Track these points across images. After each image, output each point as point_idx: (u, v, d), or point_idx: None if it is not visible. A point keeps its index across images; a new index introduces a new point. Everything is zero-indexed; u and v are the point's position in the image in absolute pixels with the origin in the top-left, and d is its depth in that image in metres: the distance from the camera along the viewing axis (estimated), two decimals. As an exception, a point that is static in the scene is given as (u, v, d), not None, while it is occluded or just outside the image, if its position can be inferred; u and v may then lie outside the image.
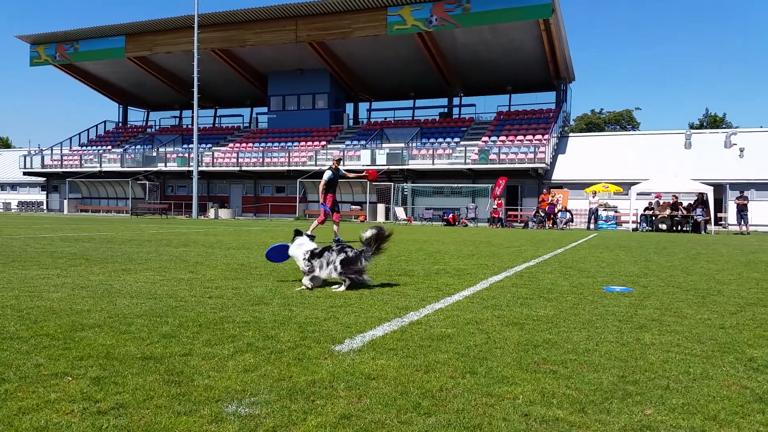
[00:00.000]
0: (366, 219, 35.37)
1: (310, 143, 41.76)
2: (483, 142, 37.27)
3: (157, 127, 52.79)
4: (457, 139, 38.71)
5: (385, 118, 45.78)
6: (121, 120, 54.45)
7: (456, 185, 34.53)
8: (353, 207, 37.36)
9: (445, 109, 45.08)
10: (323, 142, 41.52)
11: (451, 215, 31.16)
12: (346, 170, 13.30)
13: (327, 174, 12.36)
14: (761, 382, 2.64)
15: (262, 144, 43.18)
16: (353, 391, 2.42)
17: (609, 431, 2.01)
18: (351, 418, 2.12)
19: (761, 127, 43.18)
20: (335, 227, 12.53)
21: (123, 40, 44.25)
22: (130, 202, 42.36)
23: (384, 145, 39.43)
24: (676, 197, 26.37)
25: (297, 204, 38.14)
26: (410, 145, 38.57)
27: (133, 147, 47.50)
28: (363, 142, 40.12)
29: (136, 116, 55.98)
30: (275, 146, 42.38)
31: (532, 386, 2.50)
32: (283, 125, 44.78)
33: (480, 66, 39.41)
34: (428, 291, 5.30)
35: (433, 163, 36.06)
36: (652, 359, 3.01)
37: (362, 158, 37.16)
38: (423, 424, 2.07)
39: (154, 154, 44.19)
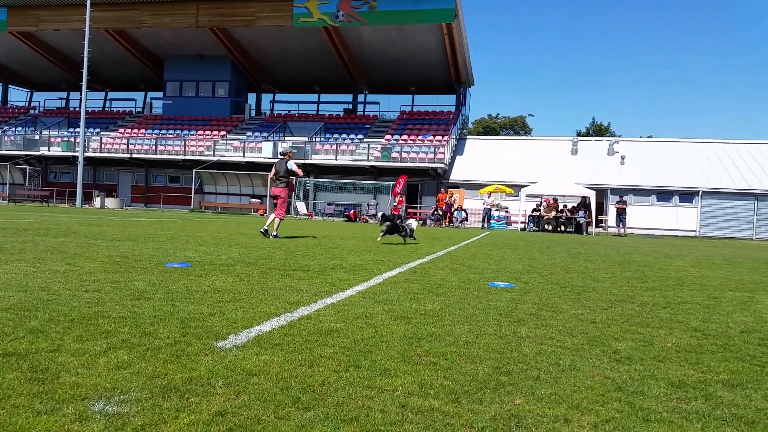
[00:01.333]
0: (266, 212, 34.75)
1: (208, 132, 40.32)
2: (386, 140, 37.73)
3: (42, 109, 48.80)
4: (360, 136, 38.92)
5: (289, 111, 45.17)
6: (0, 99, 49.89)
7: (358, 181, 34.72)
8: (253, 200, 36.56)
9: (350, 106, 45.20)
10: (222, 132, 40.25)
11: (352, 211, 31.31)
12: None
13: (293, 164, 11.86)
14: (621, 372, 2.85)
15: (156, 131, 41.15)
16: (232, 387, 2.36)
17: (480, 420, 2.10)
18: (226, 415, 2.07)
19: (641, 137, 46.92)
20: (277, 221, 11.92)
21: (4, 12, 40.48)
22: (7, 188, 38.89)
23: (287, 138, 38.88)
24: (557, 200, 28.06)
25: (192, 195, 36.74)
26: (314, 139, 38.30)
27: (13, 129, 43.60)
28: (265, 134, 39.32)
29: (17, 96, 51.51)
30: (170, 134, 40.53)
31: (412, 378, 2.56)
32: (179, 112, 42.91)
33: (385, 64, 39.84)
34: (322, 286, 5.28)
35: (336, 159, 36.03)
36: (526, 351, 3.17)
37: (264, 151, 36.43)
38: (300, 418, 2.05)
39: (37, 137, 40.82)
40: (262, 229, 12.10)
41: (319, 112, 44.86)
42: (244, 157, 36.99)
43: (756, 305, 5.37)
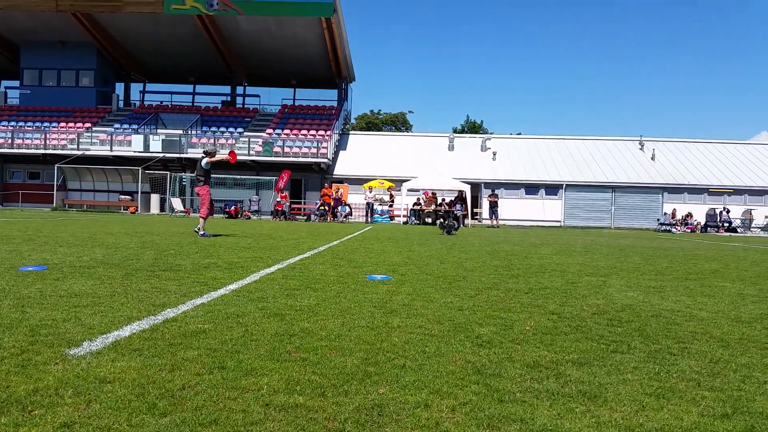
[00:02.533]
0: (137, 210, 32.81)
1: (72, 124, 37.30)
2: (267, 134, 37.01)
3: None
4: (240, 130, 37.86)
5: (162, 102, 42.92)
6: None
7: (239, 177, 33.76)
8: (122, 197, 34.36)
9: (228, 98, 43.79)
10: (88, 124, 37.41)
11: (233, 207, 30.41)
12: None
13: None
14: (482, 356, 3.00)
15: (13, 123, 37.43)
16: (82, 396, 2.20)
17: (343, 412, 2.11)
18: (73, 426, 1.92)
19: (511, 134, 49.73)
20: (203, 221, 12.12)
21: None
22: None
23: (160, 130, 36.90)
24: (435, 194, 29.12)
25: (54, 192, 33.87)
26: (189, 132, 36.70)
27: None
28: (135, 126, 37.06)
29: None
30: (29, 126, 37.06)
31: (279, 375, 2.53)
32: (39, 102, 39.34)
33: (265, 56, 39.00)
34: (192, 286, 5.07)
35: (214, 153, 34.74)
36: (395, 341, 3.24)
37: (134, 144, 34.36)
38: (156, 424, 1.95)
39: None
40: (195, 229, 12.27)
41: (195, 104, 43.05)
42: (111, 150, 34.67)
43: (608, 289, 5.87)
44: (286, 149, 34.65)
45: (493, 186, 32.95)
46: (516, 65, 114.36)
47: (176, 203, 31.75)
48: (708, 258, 10.61)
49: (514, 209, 33.42)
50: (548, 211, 33.79)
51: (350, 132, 43.28)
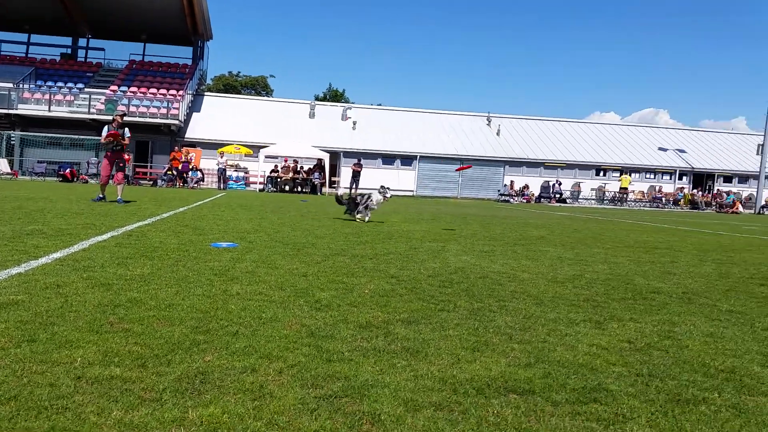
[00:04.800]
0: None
1: None
2: (111, 91, 34.08)
3: None
4: (80, 85, 34.45)
5: (-14, 51, 37.73)
6: None
7: (77, 137, 30.84)
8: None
9: (69, 50, 39.52)
10: None
11: (68, 170, 27.82)
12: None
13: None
14: (318, 320, 3.06)
15: None
16: None
17: (163, 382, 2.05)
18: None
19: (371, 104, 50.39)
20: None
21: None
22: None
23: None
24: (296, 161, 28.89)
25: None
26: (21, 86, 32.74)
27: None
28: (-51, 77, 32.29)
29: None
30: None
31: (97, 347, 2.39)
32: None
33: (111, 6, 35.54)
34: (10, 254, 4.58)
35: (49, 110, 31.42)
36: (231, 308, 3.20)
37: (-53, 96, 29.98)
38: (-59, 406, 1.76)
39: None
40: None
41: (29, 55, 38.38)
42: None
43: (445, 253, 6.23)
44: (132, 108, 32.20)
45: (352, 155, 33.33)
46: (379, 36, 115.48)
47: (2, 164, 28.38)
48: (537, 226, 11.64)
49: (372, 179, 34.11)
50: (403, 180, 34.94)
51: (206, 93, 41.22)
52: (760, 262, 6.90)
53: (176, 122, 32.33)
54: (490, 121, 40.68)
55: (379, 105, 48.41)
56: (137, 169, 31.24)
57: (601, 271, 5.44)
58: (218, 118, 35.94)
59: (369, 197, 10.35)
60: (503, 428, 1.83)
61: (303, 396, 1.99)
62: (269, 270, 4.53)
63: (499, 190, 33.93)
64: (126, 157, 12.84)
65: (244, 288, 3.77)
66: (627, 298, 4.19)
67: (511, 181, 34.14)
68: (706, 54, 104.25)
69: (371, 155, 34.72)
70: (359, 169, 29.82)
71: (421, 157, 35.06)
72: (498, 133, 38.80)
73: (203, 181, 29.50)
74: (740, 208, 33.91)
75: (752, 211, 34.22)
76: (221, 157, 29.25)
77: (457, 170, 27.58)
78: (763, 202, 34.73)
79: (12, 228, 6.33)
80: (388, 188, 10.66)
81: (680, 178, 37.75)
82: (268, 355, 2.42)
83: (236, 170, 30.66)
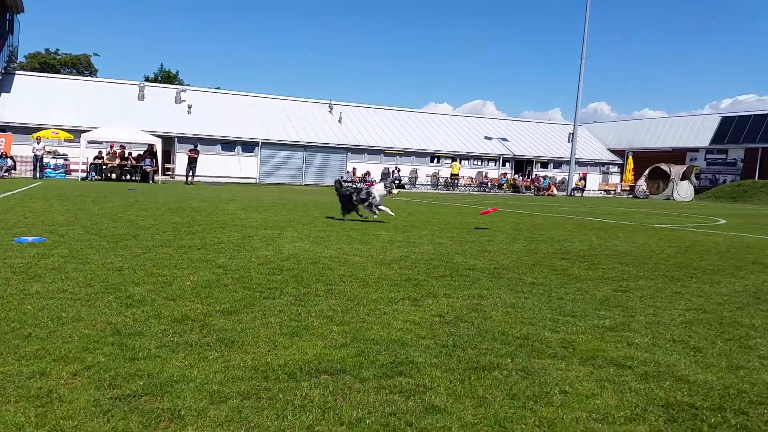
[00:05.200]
0: None
1: None
2: None
3: None
4: None
5: None
6: None
7: None
8: None
9: None
10: None
11: None
12: None
13: None
14: (127, 316, 2.88)
15: None
16: None
17: (-74, 397, 1.80)
18: None
19: (209, 87, 48.17)
20: None
21: None
22: None
23: None
24: (124, 147, 26.87)
25: None
26: None
27: None
28: None
29: None
30: None
31: None
32: None
33: None
34: None
35: None
36: (27, 309, 2.90)
37: None
38: None
39: None
40: None
41: None
42: None
43: (280, 240, 6.18)
44: None
45: (188, 141, 31.67)
46: (213, 14, 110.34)
47: None
48: (375, 210, 11.98)
49: (211, 166, 32.74)
50: (244, 168, 33.98)
51: (17, 72, 36.56)
52: (564, 238, 7.74)
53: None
54: (332, 109, 40.96)
55: (218, 89, 46.52)
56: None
57: (426, 252, 5.75)
58: (33, 100, 32.13)
59: (369, 194, 9.11)
60: (308, 409, 1.86)
61: (97, 398, 1.86)
62: (79, 265, 4.17)
63: (342, 177, 34.41)
64: None
65: (46, 286, 3.43)
66: (445, 275, 4.47)
67: (354, 168, 34.77)
68: (527, 49, 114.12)
69: (210, 141, 33.28)
70: (195, 156, 28.44)
71: (263, 143, 34.35)
72: (340, 121, 39.24)
73: (15, 169, 26.24)
74: (555, 191, 37.77)
75: (565, 194, 38.30)
76: (37, 143, 26.23)
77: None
78: (573, 185, 39.01)
79: None
80: (394, 181, 9.91)
81: (504, 165, 41.08)
82: (63, 357, 2.23)
83: (54, 157, 27.71)
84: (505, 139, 43.58)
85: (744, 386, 2.26)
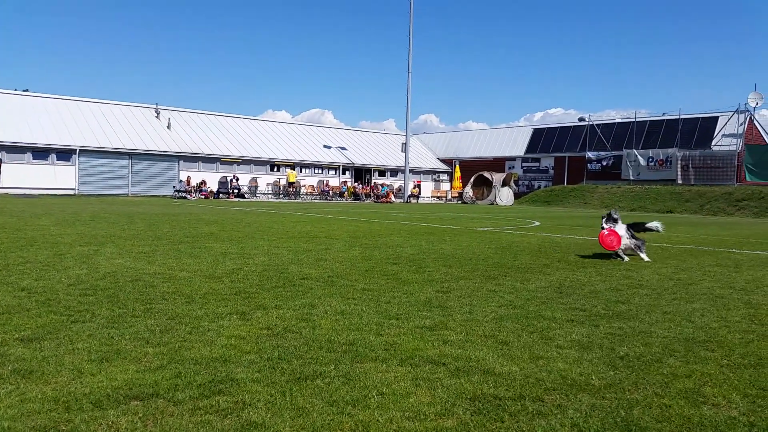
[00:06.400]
0: None
1: None
2: None
3: None
4: None
5: None
6: None
7: None
8: None
9: None
10: None
11: None
12: None
13: None
14: None
15: None
16: None
17: None
18: None
19: (15, 89, 42.98)
20: None
21: None
22: None
23: None
24: None
25: None
26: None
27: None
28: None
29: None
30: None
31: None
32: None
33: None
34: None
35: None
36: None
37: None
38: None
39: None
40: None
41: None
42: None
43: (98, 257, 5.70)
44: None
45: (-11, 148, 27.99)
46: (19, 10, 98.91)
47: None
48: (210, 221, 11.55)
49: (20, 176, 29.26)
50: (60, 178, 30.84)
51: None
52: (397, 244, 8.06)
53: None
54: (158, 113, 38.70)
55: (26, 91, 41.75)
56: None
57: (261, 263, 5.65)
58: None
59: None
60: (114, 440, 1.73)
61: None
62: None
63: (174, 186, 32.61)
64: None
65: None
66: (278, 286, 4.43)
67: (188, 177, 33.15)
68: (364, 57, 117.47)
69: (18, 148, 29.74)
70: (-2, 164, 25.28)
71: (81, 151, 31.43)
72: (169, 127, 37.20)
73: None
74: (393, 198, 39.29)
75: (402, 200, 39.98)
76: None
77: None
78: (409, 192, 40.87)
79: None
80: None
81: (344, 173, 41.86)
82: None
83: None
84: (344, 148, 44.49)
85: (542, 374, 2.52)
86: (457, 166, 45.31)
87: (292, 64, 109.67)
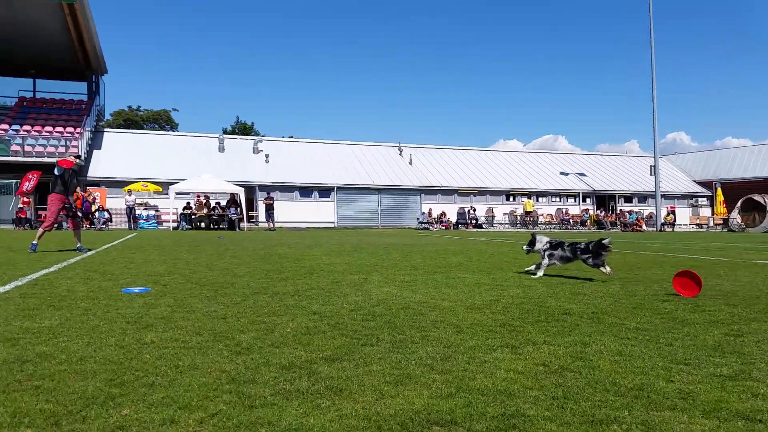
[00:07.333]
0: None
1: None
2: (2, 130, 32.04)
3: None
4: (-34, 124, 32.20)
5: None
6: None
7: (-33, 179, 28.69)
8: None
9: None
10: None
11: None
12: None
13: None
14: (238, 364, 3.00)
15: None
16: None
17: (76, 443, 1.95)
18: None
19: (283, 137, 50.17)
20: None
21: None
22: None
23: None
24: (208, 197, 28.23)
25: None
26: None
27: None
28: None
29: None
30: None
31: (4, 408, 2.23)
32: None
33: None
34: None
35: (-68, 151, 29.07)
36: (146, 358, 3.07)
37: None
38: None
39: None
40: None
41: None
42: None
43: (368, 285, 6.27)
44: (27, 148, 30.40)
45: (268, 188, 32.95)
46: (285, 67, 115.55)
47: None
48: (455, 252, 11.95)
49: (290, 211, 33.84)
50: (322, 212, 34.87)
51: (105, 130, 39.61)
52: (663, 278, 7.40)
53: (77, 161, 30.77)
54: (401, 151, 41.55)
55: (291, 137, 48.29)
56: (39, 212, 29.36)
57: (516, 296, 5.65)
58: (122, 155, 34.57)
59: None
60: (429, 461, 1.86)
61: (227, 446, 1.94)
62: (185, 314, 4.39)
63: (418, 218, 34.55)
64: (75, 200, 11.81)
65: (159, 335, 3.64)
66: (540, 320, 4.37)
67: (429, 209, 34.89)
68: (597, 82, 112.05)
69: (287, 188, 34.48)
70: (271, 203, 29.59)
71: (338, 188, 35.20)
72: (410, 163, 39.68)
73: (111, 221, 28.15)
74: (643, 226, 36.27)
75: (654, 229, 36.69)
76: (129, 195, 28.07)
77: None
78: (662, 219, 37.33)
79: None
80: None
81: (584, 200, 39.98)
82: (187, 405, 2.35)
83: (146, 208, 29.50)
84: (582, 174, 42.52)
85: None
86: (719, 188, 40.09)
87: (521, 92, 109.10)
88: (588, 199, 40.02)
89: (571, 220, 37.19)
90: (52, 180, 11.07)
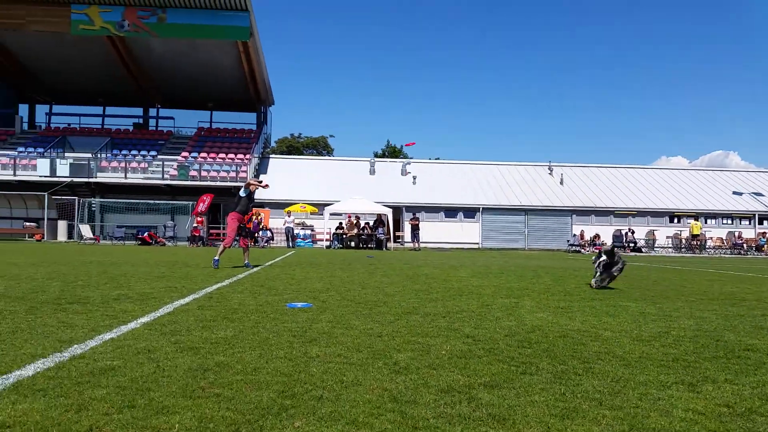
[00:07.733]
0: (44, 238, 30.88)
1: (-31, 147, 34.83)
2: (183, 157, 36.01)
3: None
4: (153, 153, 36.65)
5: (69, 124, 40.92)
6: None
7: (152, 201, 32.57)
8: (27, 224, 32.25)
9: (141, 120, 42.38)
10: (-13, 147, 35.05)
11: (146, 234, 29.24)
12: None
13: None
14: (398, 383, 3.06)
15: None
16: (-25, 447, 2.06)
17: (258, 449, 2.09)
18: (-36, 481, 1.80)
19: (429, 158, 50.93)
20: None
21: None
22: None
23: (67, 154, 35.11)
24: (359, 218, 29.33)
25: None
26: (99, 155, 35.12)
27: None
28: (41, 150, 35.10)
29: None
30: None
31: (192, 413, 2.47)
32: (-70, 123, 36.51)
33: (179, 79, 38.12)
34: (101, 320, 4.84)
35: (125, 177, 33.44)
36: (314, 371, 3.24)
37: (39, 168, 32.48)
38: (58, 474, 1.86)
39: None
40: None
41: (105, 126, 41.36)
42: (15, 175, 32.63)
43: (520, 310, 6.10)
44: (203, 173, 33.83)
45: (414, 209, 33.56)
46: (432, 94, 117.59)
47: (85, 230, 30.17)
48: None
49: (435, 232, 34.13)
50: (467, 233, 34.73)
51: (270, 156, 42.93)
52: None
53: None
54: (552, 170, 40.19)
55: (437, 159, 48.77)
56: (211, 230, 32.46)
57: (688, 327, 5.18)
58: (283, 179, 37.17)
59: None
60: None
61: (395, 466, 1.98)
62: (345, 330, 4.57)
63: (568, 240, 33.12)
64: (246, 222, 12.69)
65: (323, 350, 3.82)
66: (719, 356, 3.96)
67: (581, 231, 33.29)
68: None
69: (433, 209, 34.83)
70: (416, 223, 30.08)
71: (483, 209, 34.87)
72: (561, 182, 38.22)
73: (273, 240, 30.32)
74: (832, 253, 31.65)
75: None
76: (288, 216, 30.09)
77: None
78: None
79: (101, 293, 6.69)
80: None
81: (760, 223, 35.77)
82: (354, 421, 2.43)
83: (303, 228, 31.38)
84: (759, 194, 38.17)
85: None
86: None
87: (684, 106, 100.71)
88: (765, 222, 35.74)
89: (744, 245, 33.40)
90: (236, 199, 12.11)
